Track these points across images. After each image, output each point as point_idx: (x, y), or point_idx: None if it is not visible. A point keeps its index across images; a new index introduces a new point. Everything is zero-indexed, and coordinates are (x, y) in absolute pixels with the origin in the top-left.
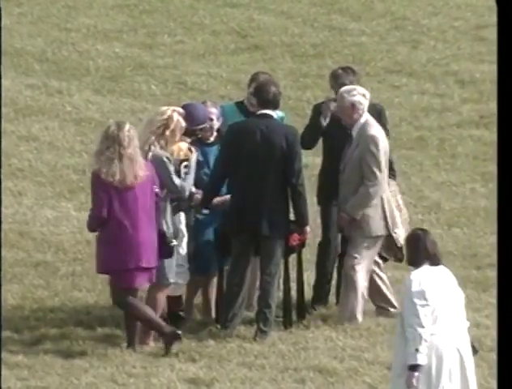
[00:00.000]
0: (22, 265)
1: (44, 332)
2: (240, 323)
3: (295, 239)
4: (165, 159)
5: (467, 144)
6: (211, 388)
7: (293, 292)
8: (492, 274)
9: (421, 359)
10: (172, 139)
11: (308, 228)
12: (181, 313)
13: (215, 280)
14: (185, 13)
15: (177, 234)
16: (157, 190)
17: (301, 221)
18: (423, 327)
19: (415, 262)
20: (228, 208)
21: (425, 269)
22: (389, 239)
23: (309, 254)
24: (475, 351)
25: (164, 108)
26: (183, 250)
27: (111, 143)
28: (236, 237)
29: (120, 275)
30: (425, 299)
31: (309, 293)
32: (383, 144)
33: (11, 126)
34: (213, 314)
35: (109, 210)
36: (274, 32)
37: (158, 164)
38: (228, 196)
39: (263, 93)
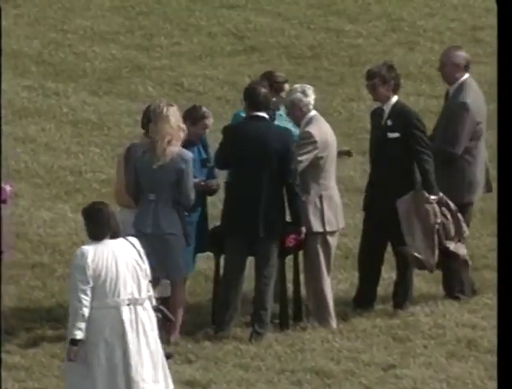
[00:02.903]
0: (18, 266)
1: (41, 334)
2: (236, 325)
3: (291, 240)
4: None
5: None
6: None
7: (290, 294)
8: (489, 275)
9: (78, 334)
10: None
11: (303, 229)
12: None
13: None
14: (182, 15)
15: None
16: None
17: (297, 221)
18: (80, 301)
19: (95, 236)
20: (224, 209)
21: (96, 244)
22: None
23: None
24: (167, 319)
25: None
26: None
27: None
28: (232, 238)
29: None
30: (85, 274)
31: (304, 294)
32: (321, 141)
33: (8, 128)
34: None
35: None
36: (270, 34)
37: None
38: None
39: (253, 95)
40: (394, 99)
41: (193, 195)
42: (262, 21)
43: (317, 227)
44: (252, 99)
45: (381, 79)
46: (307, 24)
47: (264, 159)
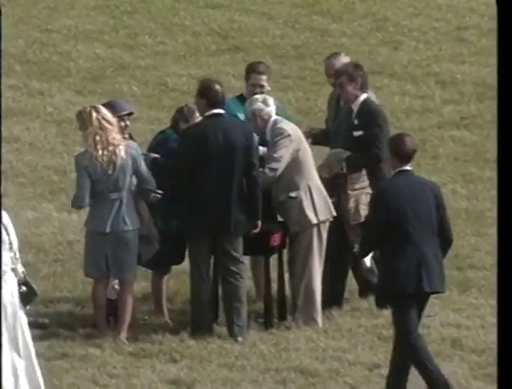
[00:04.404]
0: None
1: None
2: (220, 324)
3: (275, 239)
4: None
5: (448, 145)
6: None
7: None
8: (473, 275)
9: None
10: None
11: (259, 223)
12: None
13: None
14: (166, 14)
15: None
16: None
17: (255, 215)
18: None
19: None
20: (189, 209)
21: None
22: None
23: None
24: (33, 293)
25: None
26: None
27: None
28: (199, 237)
29: None
30: None
31: (289, 293)
32: (294, 134)
33: None
34: (166, 314)
35: None
36: (255, 34)
37: (133, 149)
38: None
39: (211, 93)
40: (363, 97)
41: (152, 179)
42: (246, 21)
43: (313, 219)
44: (210, 97)
45: (347, 77)
46: (291, 24)
47: (233, 155)
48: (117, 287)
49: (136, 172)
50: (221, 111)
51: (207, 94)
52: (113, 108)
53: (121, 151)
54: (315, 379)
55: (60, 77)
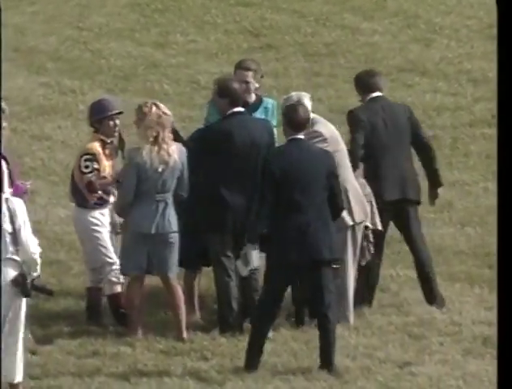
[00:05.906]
0: None
1: (56, 331)
2: (247, 321)
3: None
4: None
5: (480, 143)
6: (223, 387)
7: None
8: None
9: None
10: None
11: None
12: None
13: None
14: (198, 12)
15: None
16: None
17: None
18: None
19: None
20: (210, 208)
21: None
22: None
23: None
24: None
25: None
26: None
27: None
28: (223, 237)
29: None
30: None
31: None
32: (331, 137)
33: (24, 125)
34: (197, 312)
35: None
36: (286, 31)
37: (183, 154)
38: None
39: (232, 92)
40: (368, 97)
41: (188, 187)
42: (277, 18)
43: (348, 221)
44: (232, 96)
45: (358, 91)
46: (323, 22)
47: (258, 152)
48: (114, 279)
49: (179, 177)
50: (241, 109)
51: (228, 93)
52: (102, 107)
53: (175, 153)
54: (346, 377)
55: (91, 75)
